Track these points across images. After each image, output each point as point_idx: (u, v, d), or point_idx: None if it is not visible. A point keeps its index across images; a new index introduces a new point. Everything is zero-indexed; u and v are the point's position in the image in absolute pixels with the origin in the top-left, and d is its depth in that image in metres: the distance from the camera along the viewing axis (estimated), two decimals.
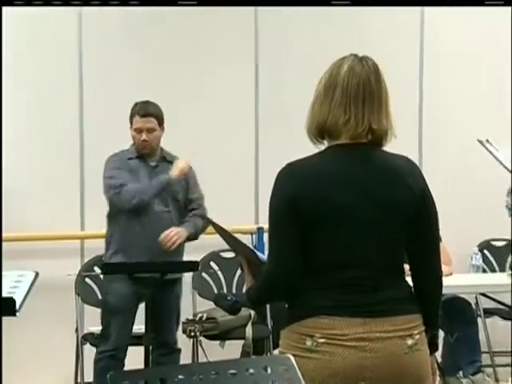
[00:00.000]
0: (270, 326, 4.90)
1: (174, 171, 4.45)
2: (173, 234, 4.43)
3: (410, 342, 2.28)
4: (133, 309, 4.51)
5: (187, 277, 5.09)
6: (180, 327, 4.79)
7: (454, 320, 4.95)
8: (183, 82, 5.51)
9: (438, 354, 4.80)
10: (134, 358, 4.40)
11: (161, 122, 4.53)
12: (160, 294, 4.41)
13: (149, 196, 4.43)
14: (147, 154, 4.56)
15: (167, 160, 4.58)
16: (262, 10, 5.55)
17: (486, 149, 2.82)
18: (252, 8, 5.52)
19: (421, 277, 2.37)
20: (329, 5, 5.39)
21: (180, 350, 4.65)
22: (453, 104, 5.72)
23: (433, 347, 2.39)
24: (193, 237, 4.56)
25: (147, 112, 4.49)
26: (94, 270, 5.06)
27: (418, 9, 5.71)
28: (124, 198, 4.42)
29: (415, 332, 2.30)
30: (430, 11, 5.72)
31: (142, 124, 4.49)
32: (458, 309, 5.07)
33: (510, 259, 5.63)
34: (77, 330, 4.97)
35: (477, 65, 5.75)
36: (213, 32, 5.55)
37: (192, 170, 4.61)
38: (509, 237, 5.44)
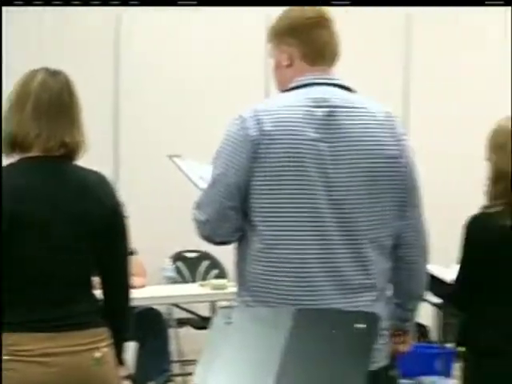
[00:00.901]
0: None
1: None
2: None
3: (97, 354, 2.31)
4: None
5: None
6: None
7: (146, 331, 5.03)
8: None
9: (131, 365, 4.85)
10: None
11: None
12: None
13: None
14: None
15: None
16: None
17: (175, 164, 2.93)
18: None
19: (110, 290, 2.41)
20: (329, 5, 5.29)
21: None
22: (150, 117, 5.76)
23: (121, 359, 2.43)
24: None
25: None
26: None
27: (113, 16, 5.66)
28: None
29: (102, 345, 2.33)
30: (128, 18, 5.68)
31: None
32: (150, 320, 5.15)
33: (201, 270, 5.86)
34: None
35: (174, 77, 5.75)
36: None
37: None
38: (200, 248, 5.64)
